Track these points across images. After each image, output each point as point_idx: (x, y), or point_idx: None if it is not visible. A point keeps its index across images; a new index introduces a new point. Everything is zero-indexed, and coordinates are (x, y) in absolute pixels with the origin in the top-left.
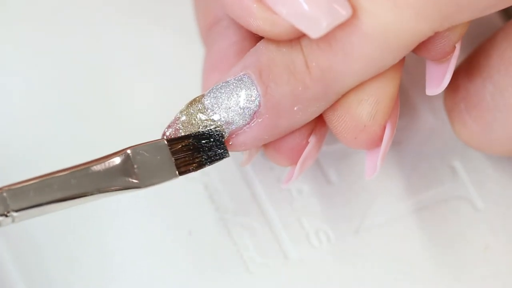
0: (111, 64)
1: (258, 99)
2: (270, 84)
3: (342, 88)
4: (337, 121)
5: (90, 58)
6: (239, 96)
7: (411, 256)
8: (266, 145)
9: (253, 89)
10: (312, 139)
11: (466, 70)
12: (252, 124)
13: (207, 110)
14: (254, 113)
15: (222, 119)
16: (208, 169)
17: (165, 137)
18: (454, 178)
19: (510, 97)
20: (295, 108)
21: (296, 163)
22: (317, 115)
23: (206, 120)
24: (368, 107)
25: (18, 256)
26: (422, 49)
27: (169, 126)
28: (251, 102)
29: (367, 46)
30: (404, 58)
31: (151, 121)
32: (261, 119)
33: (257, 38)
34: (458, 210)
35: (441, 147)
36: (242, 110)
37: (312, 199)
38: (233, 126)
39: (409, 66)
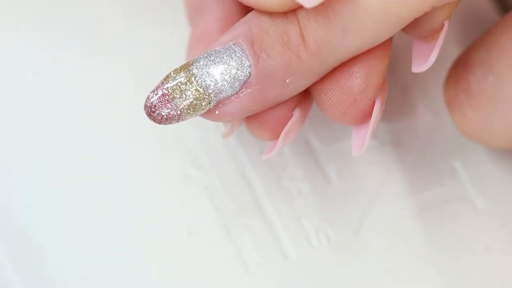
0: (111, 63)
1: (249, 69)
2: (262, 55)
3: (335, 62)
4: (326, 95)
5: (89, 56)
6: (229, 65)
7: (411, 256)
8: (249, 118)
9: (244, 58)
10: (297, 112)
11: (466, 62)
12: (241, 94)
13: (195, 78)
14: (244, 83)
15: (211, 87)
16: (208, 169)
17: (147, 103)
18: (454, 178)
19: (510, 89)
20: (287, 81)
21: (277, 137)
22: (305, 87)
23: (195, 88)
24: (359, 80)
25: (18, 256)
26: (411, 26)
27: (154, 91)
28: (241, 72)
29: (366, 22)
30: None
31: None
32: (250, 90)
33: (243, 13)
34: (458, 210)
35: (441, 147)
36: (232, 79)
37: (312, 199)
38: (221, 95)
39: (409, 66)
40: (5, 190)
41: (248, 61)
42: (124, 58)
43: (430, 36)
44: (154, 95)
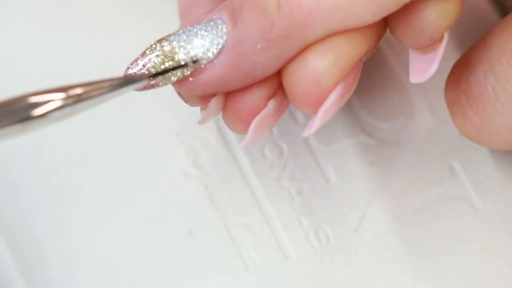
0: (111, 61)
1: (225, 37)
2: (238, 21)
3: (308, 33)
4: (292, 72)
5: (89, 55)
6: (207, 32)
7: (410, 256)
8: (225, 106)
9: (222, 26)
10: (271, 103)
11: (467, 63)
12: (215, 61)
13: (172, 45)
14: (220, 50)
15: (188, 53)
16: (208, 169)
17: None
18: (454, 178)
19: (511, 90)
20: (258, 46)
21: None
22: (279, 64)
23: (171, 54)
24: (326, 61)
25: (18, 256)
26: (410, 35)
27: (134, 62)
28: (219, 39)
29: None
30: (380, 33)
31: (151, 119)
32: (224, 55)
33: None
34: (457, 210)
35: (440, 147)
36: (208, 46)
37: (312, 199)
38: (197, 62)
39: (408, 66)
40: (5, 190)
41: (226, 29)
42: (125, 58)
43: (428, 46)
44: (135, 66)
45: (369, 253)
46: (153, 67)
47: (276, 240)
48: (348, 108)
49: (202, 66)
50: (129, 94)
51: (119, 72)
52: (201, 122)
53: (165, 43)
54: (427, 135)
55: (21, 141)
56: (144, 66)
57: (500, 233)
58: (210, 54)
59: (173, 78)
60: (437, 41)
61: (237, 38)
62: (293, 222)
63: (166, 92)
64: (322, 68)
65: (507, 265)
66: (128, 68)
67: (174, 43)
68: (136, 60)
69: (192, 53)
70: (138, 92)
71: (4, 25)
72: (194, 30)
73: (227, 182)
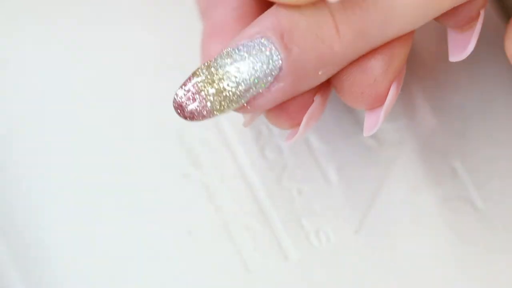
0: (111, 63)
1: (279, 62)
2: (293, 48)
3: (368, 49)
4: (347, 75)
5: (89, 54)
6: (259, 59)
7: (411, 256)
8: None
9: (274, 52)
10: (317, 98)
11: None
12: (273, 89)
13: (223, 73)
14: (275, 77)
15: (242, 85)
16: (208, 168)
17: (177, 99)
18: (455, 178)
19: None
20: (320, 73)
21: (297, 125)
22: (331, 75)
23: (223, 84)
24: (381, 62)
25: (18, 256)
26: (448, 14)
27: (181, 87)
28: (271, 66)
29: (408, 11)
30: None
31: (152, 120)
32: (282, 84)
33: (259, 2)
34: (458, 210)
35: (441, 147)
36: (262, 75)
37: (312, 199)
38: (252, 92)
39: (412, 66)
40: (5, 190)
41: (278, 55)
42: (125, 59)
43: (465, 25)
44: (184, 92)
45: (370, 254)
46: (201, 94)
47: (276, 240)
48: (349, 108)
49: (258, 93)
50: (130, 94)
51: (119, 73)
52: (246, 124)
53: (212, 69)
54: (428, 135)
55: (19, 140)
56: (192, 93)
57: (501, 234)
58: (266, 83)
59: (230, 109)
60: (473, 18)
61: (295, 67)
62: (294, 223)
63: (166, 93)
64: (379, 70)
65: (508, 265)
66: (177, 94)
67: (221, 71)
68: (183, 86)
69: (244, 85)
70: (138, 93)
71: (4, 25)
72: (242, 55)
73: (227, 183)
